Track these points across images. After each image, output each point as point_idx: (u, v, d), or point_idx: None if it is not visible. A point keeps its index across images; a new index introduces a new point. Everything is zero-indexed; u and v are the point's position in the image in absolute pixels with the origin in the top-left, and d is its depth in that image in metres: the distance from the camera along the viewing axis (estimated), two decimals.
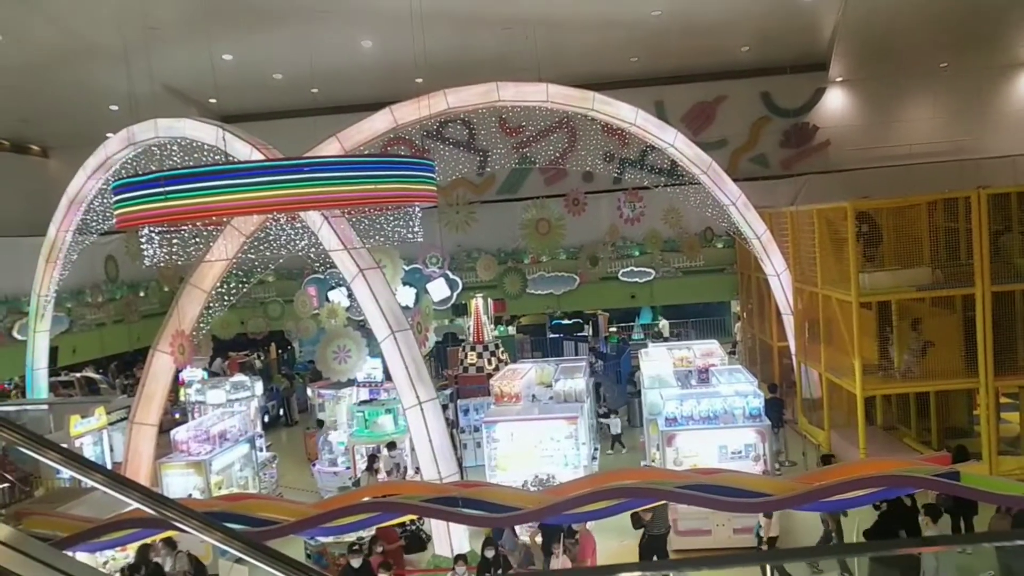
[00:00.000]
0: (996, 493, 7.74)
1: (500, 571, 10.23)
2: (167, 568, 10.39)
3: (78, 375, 23.64)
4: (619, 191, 23.70)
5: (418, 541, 12.31)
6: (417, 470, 13.72)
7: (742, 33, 23.78)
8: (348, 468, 15.23)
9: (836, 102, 27.58)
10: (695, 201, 19.59)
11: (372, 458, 14.24)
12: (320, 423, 17.54)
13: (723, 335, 26.42)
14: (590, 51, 23.41)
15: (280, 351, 27.97)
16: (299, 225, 14.76)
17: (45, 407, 17.90)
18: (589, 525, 10.79)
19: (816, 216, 16.46)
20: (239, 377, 18.68)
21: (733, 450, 12.73)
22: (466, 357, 19.46)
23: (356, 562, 9.92)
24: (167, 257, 13.42)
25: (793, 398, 18.68)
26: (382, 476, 13.86)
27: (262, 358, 26.27)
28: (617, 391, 20.74)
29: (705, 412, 12.96)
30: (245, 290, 17.05)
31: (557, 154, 22.15)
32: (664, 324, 28.57)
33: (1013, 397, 15.34)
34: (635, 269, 25.67)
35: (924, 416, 15.71)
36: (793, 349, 18.74)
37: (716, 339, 20.32)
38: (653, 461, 13.65)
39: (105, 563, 10.90)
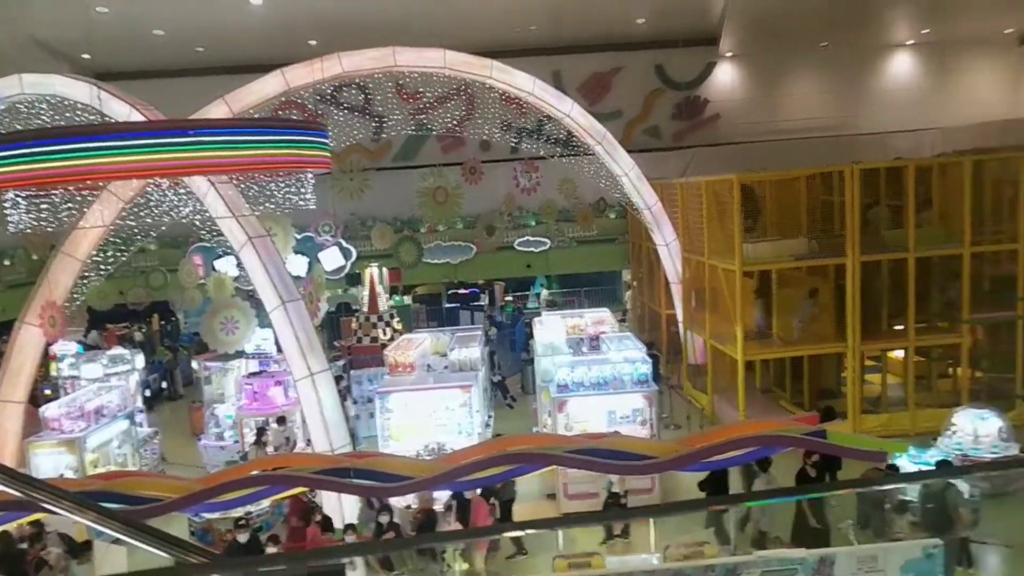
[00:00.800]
0: (857, 449, 8.29)
1: (394, 535, 10.24)
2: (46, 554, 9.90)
3: None
4: (516, 160, 23.78)
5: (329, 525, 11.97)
6: (308, 442, 13.51)
7: (638, 5, 24.13)
8: (236, 442, 14.83)
9: (726, 77, 28.48)
10: (589, 172, 19.89)
11: (260, 431, 13.91)
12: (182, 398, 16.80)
13: (615, 304, 27.10)
14: (489, 18, 23.24)
15: (163, 322, 26.80)
16: (183, 191, 14.10)
17: None
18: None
19: (704, 188, 17.02)
20: (118, 350, 17.79)
21: (621, 415, 13.09)
22: (360, 327, 19.19)
23: (243, 537, 9.71)
24: (35, 223, 12.55)
25: (679, 364, 19.39)
26: (271, 450, 13.57)
27: (144, 330, 25.11)
28: (511, 359, 20.98)
29: (595, 379, 13.26)
30: (124, 259, 16.19)
31: (454, 122, 21.93)
32: (544, 293, 28.94)
33: (876, 360, 16.45)
34: (531, 239, 25.93)
35: (798, 379, 16.64)
36: (680, 317, 19.42)
37: (608, 307, 20.83)
38: (544, 427, 13.89)
39: None
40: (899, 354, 16.05)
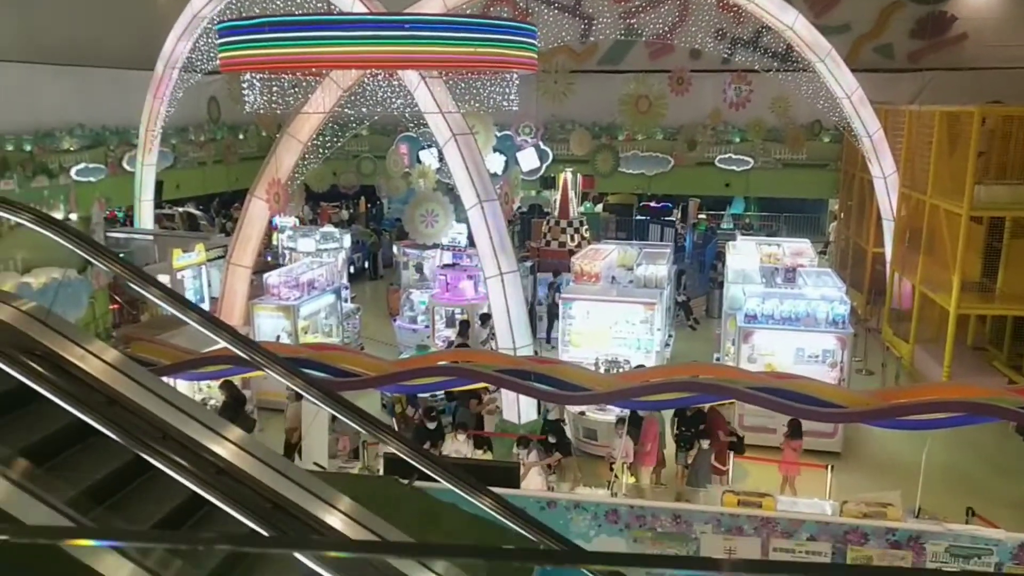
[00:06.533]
0: None
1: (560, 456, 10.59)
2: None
3: (180, 210, 24.78)
4: (727, 72, 22.52)
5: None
6: (492, 335, 14.09)
7: None
8: (427, 327, 15.75)
9: None
10: (807, 91, 18.50)
11: (464, 323, 14.55)
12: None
13: (815, 234, 25.56)
14: None
15: (369, 205, 28.51)
16: (396, 83, 14.67)
17: (151, 238, 18.98)
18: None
19: (938, 118, 15.36)
20: (328, 228, 19.21)
21: (810, 354, 12.56)
22: (549, 231, 19.44)
23: (432, 424, 10.50)
24: (266, 104, 13.61)
25: (881, 306, 18.17)
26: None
27: (351, 211, 26.90)
28: (699, 280, 20.55)
29: (787, 313, 12.75)
30: (340, 144, 17.25)
31: (666, 28, 20.97)
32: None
33: None
34: (733, 156, 24.74)
35: (1020, 339, 15.10)
36: (889, 256, 18.03)
37: (808, 237, 19.68)
38: (727, 355, 13.64)
39: (203, 398, 11.80)
40: None
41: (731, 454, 10.68)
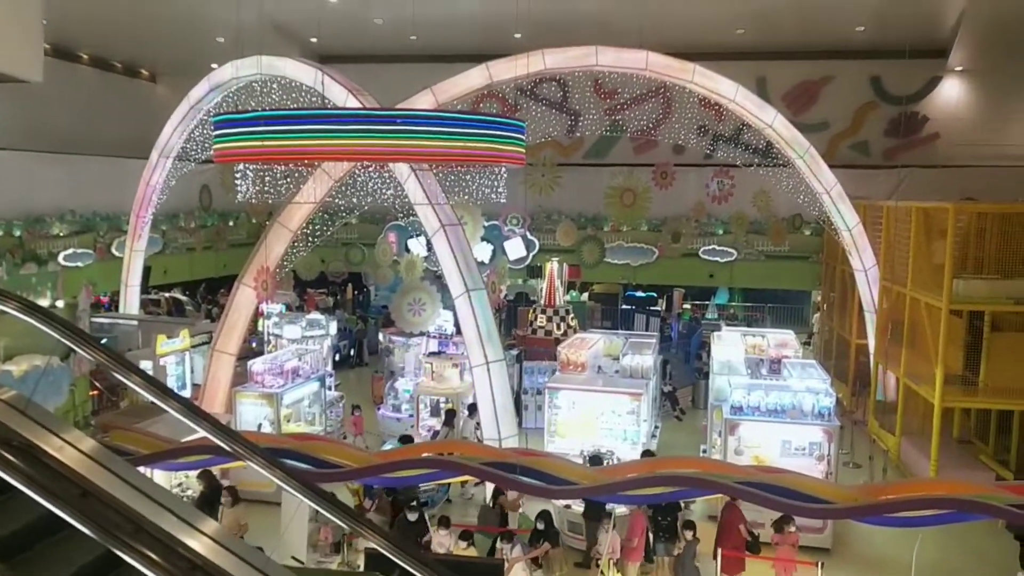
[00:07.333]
0: None
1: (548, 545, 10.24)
2: None
3: (166, 295, 24.77)
4: (709, 167, 23.14)
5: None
6: (477, 425, 13.94)
7: (859, 12, 22.66)
8: (411, 416, 15.58)
9: (951, 93, 26.15)
10: (787, 185, 19.01)
11: (451, 413, 14.41)
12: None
13: (799, 324, 25.80)
14: (695, 20, 22.71)
15: (356, 292, 28.63)
16: (386, 174, 14.98)
17: (135, 323, 18.89)
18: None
19: (914, 213, 15.76)
20: (315, 315, 19.21)
21: (797, 446, 12.47)
22: (536, 319, 19.52)
23: (412, 516, 10.23)
24: (259, 194, 13.80)
25: (866, 399, 18.19)
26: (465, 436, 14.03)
27: (338, 297, 26.97)
28: (685, 370, 20.55)
29: (773, 405, 12.72)
30: (329, 233, 17.46)
31: (650, 124, 21.69)
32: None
33: None
34: (717, 248, 25.21)
35: (1005, 433, 15.09)
36: (872, 348, 18.17)
37: (791, 328, 19.86)
38: (714, 447, 13.53)
39: (179, 484, 11.52)
40: None
41: (718, 550, 10.45)
